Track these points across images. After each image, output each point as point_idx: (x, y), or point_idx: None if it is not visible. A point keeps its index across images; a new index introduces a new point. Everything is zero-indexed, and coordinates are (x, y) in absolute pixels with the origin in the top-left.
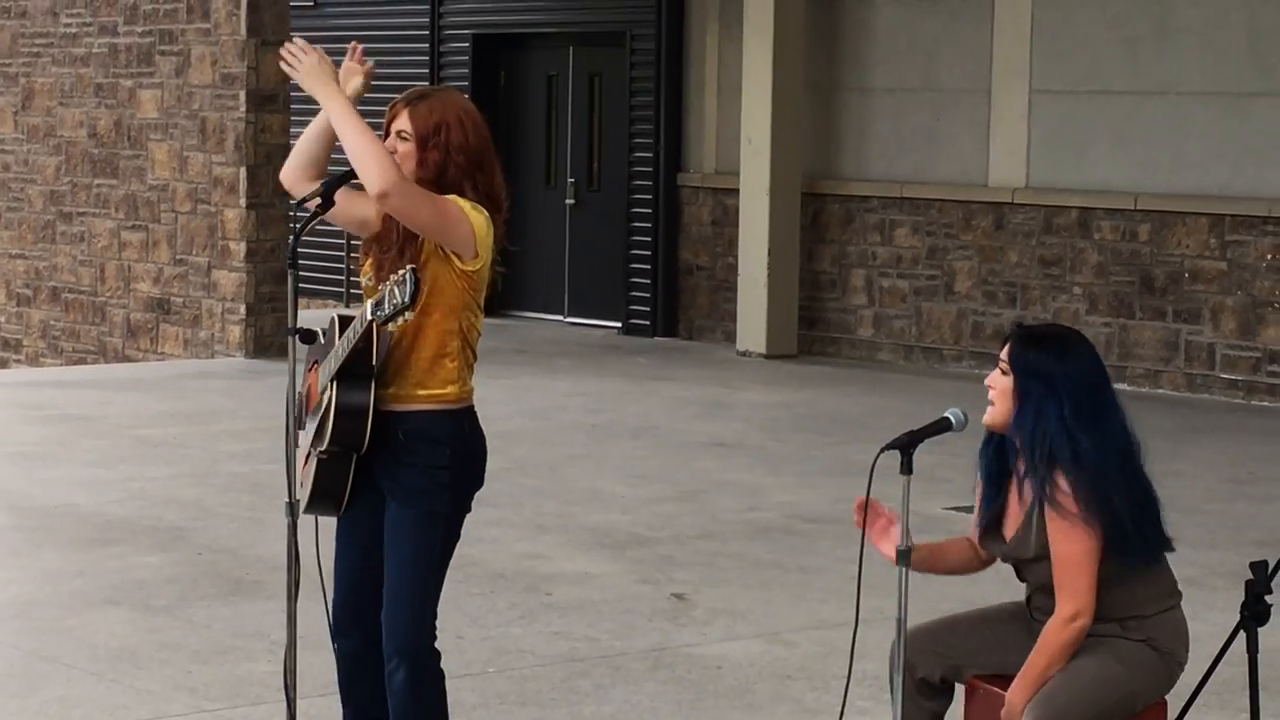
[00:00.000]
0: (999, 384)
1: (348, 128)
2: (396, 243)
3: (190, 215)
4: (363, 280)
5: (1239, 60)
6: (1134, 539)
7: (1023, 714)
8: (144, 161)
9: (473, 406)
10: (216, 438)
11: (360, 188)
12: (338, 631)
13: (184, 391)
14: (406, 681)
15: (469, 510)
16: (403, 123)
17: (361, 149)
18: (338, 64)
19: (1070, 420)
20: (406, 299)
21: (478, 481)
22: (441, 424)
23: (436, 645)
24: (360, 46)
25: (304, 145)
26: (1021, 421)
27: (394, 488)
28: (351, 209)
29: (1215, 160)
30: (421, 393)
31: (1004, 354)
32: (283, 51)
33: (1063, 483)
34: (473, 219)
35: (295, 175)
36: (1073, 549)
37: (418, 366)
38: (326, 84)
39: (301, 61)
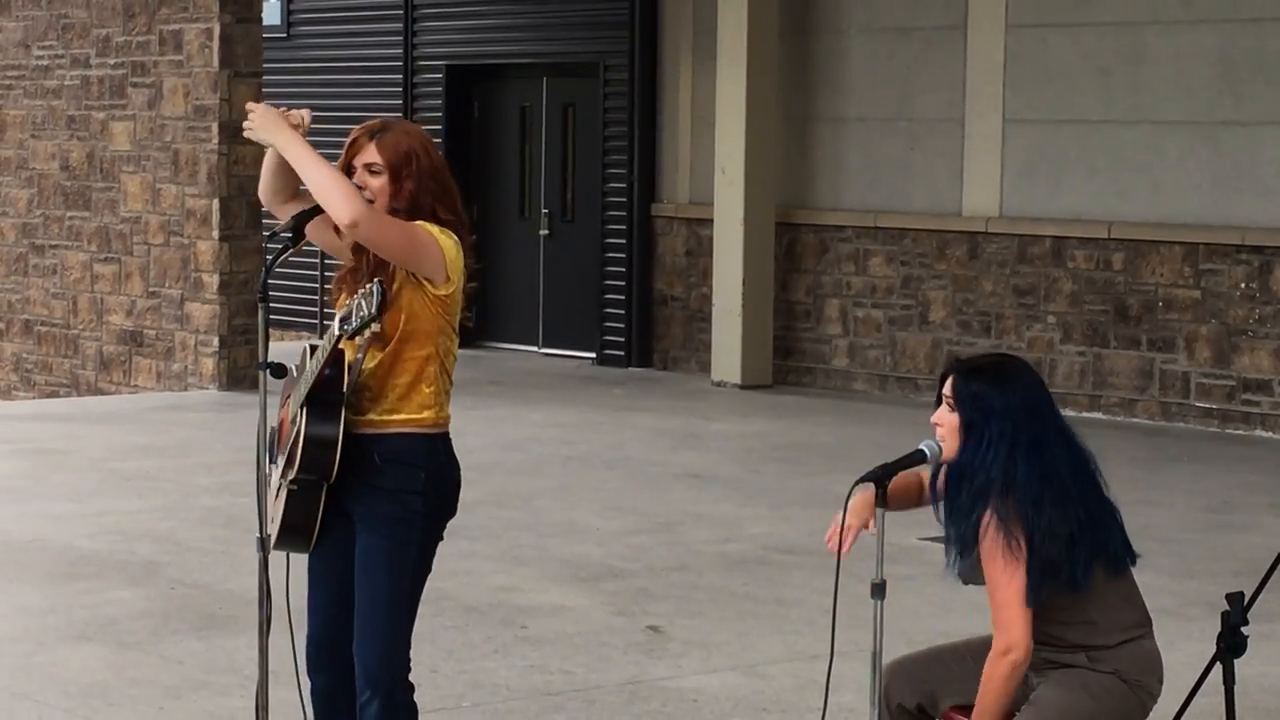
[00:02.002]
0: (946, 420)
1: (308, 165)
2: (368, 272)
3: (163, 247)
4: (339, 314)
5: (1212, 89)
6: (1063, 566)
7: None
8: (116, 194)
9: (448, 433)
10: (190, 471)
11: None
12: (312, 668)
13: (157, 424)
14: (379, 715)
15: (441, 539)
16: (370, 156)
17: (324, 183)
18: (312, 96)
19: (1009, 449)
20: (373, 310)
21: (451, 509)
22: (418, 448)
23: (410, 678)
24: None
25: (266, 178)
26: (965, 453)
27: (365, 514)
28: (324, 232)
29: (1189, 189)
30: (398, 417)
31: (947, 388)
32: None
33: (991, 515)
34: (442, 243)
35: (271, 200)
36: (1000, 582)
37: (394, 392)
38: (280, 130)
39: (252, 116)
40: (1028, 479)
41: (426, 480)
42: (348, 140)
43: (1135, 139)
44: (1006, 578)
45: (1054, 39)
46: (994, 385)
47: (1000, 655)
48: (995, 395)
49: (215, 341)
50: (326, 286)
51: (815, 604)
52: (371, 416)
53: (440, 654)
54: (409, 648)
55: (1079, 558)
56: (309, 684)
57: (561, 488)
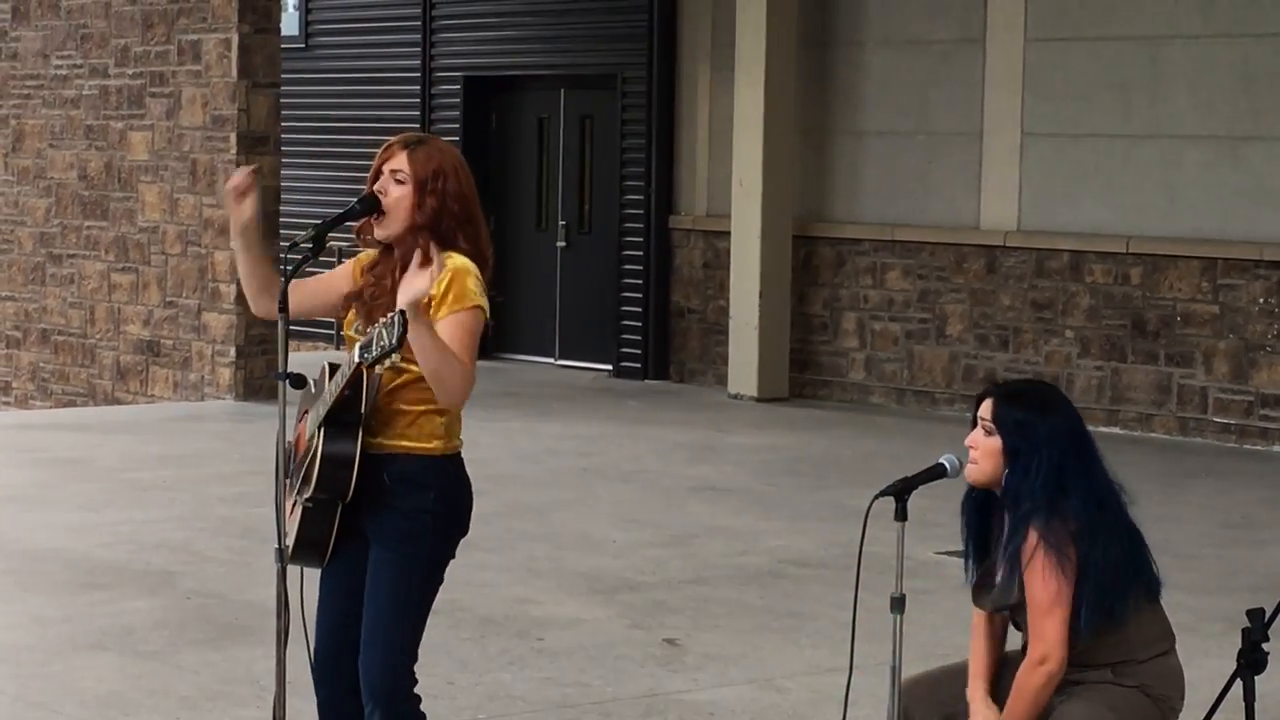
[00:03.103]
0: (982, 444)
1: (438, 348)
2: (390, 291)
3: (180, 257)
4: (348, 333)
5: (1231, 104)
6: (1109, 594)
7: None
8: (134, 203)
9: (460, 455)
10: (206, 481)
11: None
12: (316, 681)
13: (173, 434)
14: None
15: (453, 557)
16: (399, 164)
17: (446, 357)
18: (329, 106)
19: (1056, 474)
20: (394, 341)
21: (463, 527)
22: (428, 469)
23: (417, 690)
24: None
25: (248, 284)
26: (1014, 480)
27: (377, 530)
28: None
29: (1207, 204)
30: (405, 443)
31: (984, 412)
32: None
33: (1039, 533)
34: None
35: (258, 299)
36: (1044, 593)
37: (404, 418)
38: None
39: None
40: (1081, 508)
41: (436, 500)
42: (383, 146)
43: (1154, 153)
44: (1053, 591)
45: (1072, 52)
46: (1038, 412)
47: (1036, 664)
48: (1040, 422)
49: (232, 352)
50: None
51: (831, 618)
52: (381, 440)
53: (456, 666)
54: (414, 661)
55: (1124, 586)
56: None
57: (577, 500)
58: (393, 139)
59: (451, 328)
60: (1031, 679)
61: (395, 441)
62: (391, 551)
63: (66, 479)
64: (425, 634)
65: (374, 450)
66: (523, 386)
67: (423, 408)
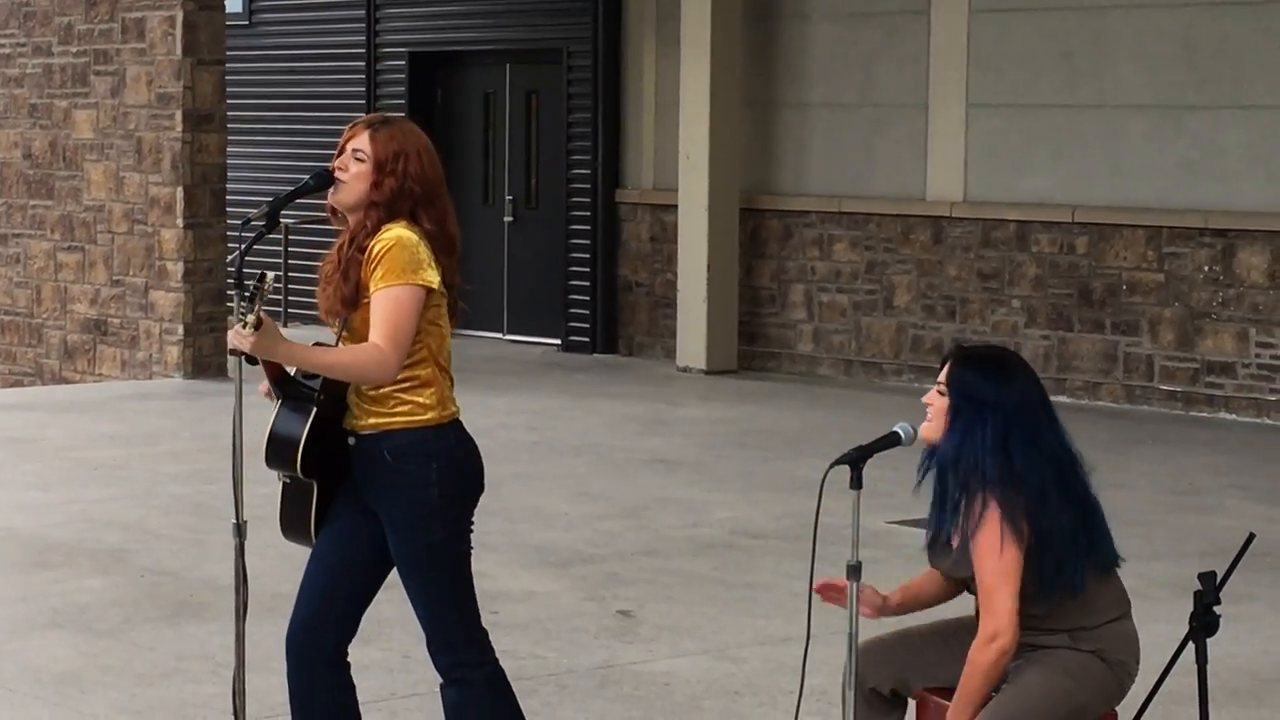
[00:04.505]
0: (936, 403)
1: (317, 364)
2: (340, 268)
3: (127, 236)
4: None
5: (1175, 73)
6: (1066, 564)
7: None
8: (80, 182)
9: (459, 421)
10: (157, 459)
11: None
12: (293, 648)
13: (123, 413)
14: (456, 698)
15: (471, 520)
16: (361, 143)
17: (341, 367)
18: (274, 84)
19: (1001, 441)
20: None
21: (475, 488)
22: (427, 439)
23: (486, 660)
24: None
25: None
26: (950, 441)
27: (386, 517)
28: None
29: (1152, 173)
30: (401, 417)
31: (942, 375)
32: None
33: (987, 502)
34: (402, 259)
35: None
36: (990, 568)
37: (393, 395)
38: (278, 344)
39: (246, 339)
40: (1030, 473)
41: (440, 469)
42: (350, 125)
43: (1098, 123)
44: (1000, 564)
45: (1016, 23)
46: (988, 376)
47: (987, 642)
48: (988, 386)
49: (180, 330)
50: (292, 274)
51: (784, 588)
52: (373, 421)
53: (411, 640)
54: (468, 630)
55: (1080, 554)
56: (285, 664)
57: (529, 474)
58: (360, 118)
59: (376, 304)
60: (984, 656)
61: (389, 418)
62: (406, 541)
63: (16, 458)
64: (380, 609)
65: (369, 430)
66: (471, 362)
67: (407, 383)
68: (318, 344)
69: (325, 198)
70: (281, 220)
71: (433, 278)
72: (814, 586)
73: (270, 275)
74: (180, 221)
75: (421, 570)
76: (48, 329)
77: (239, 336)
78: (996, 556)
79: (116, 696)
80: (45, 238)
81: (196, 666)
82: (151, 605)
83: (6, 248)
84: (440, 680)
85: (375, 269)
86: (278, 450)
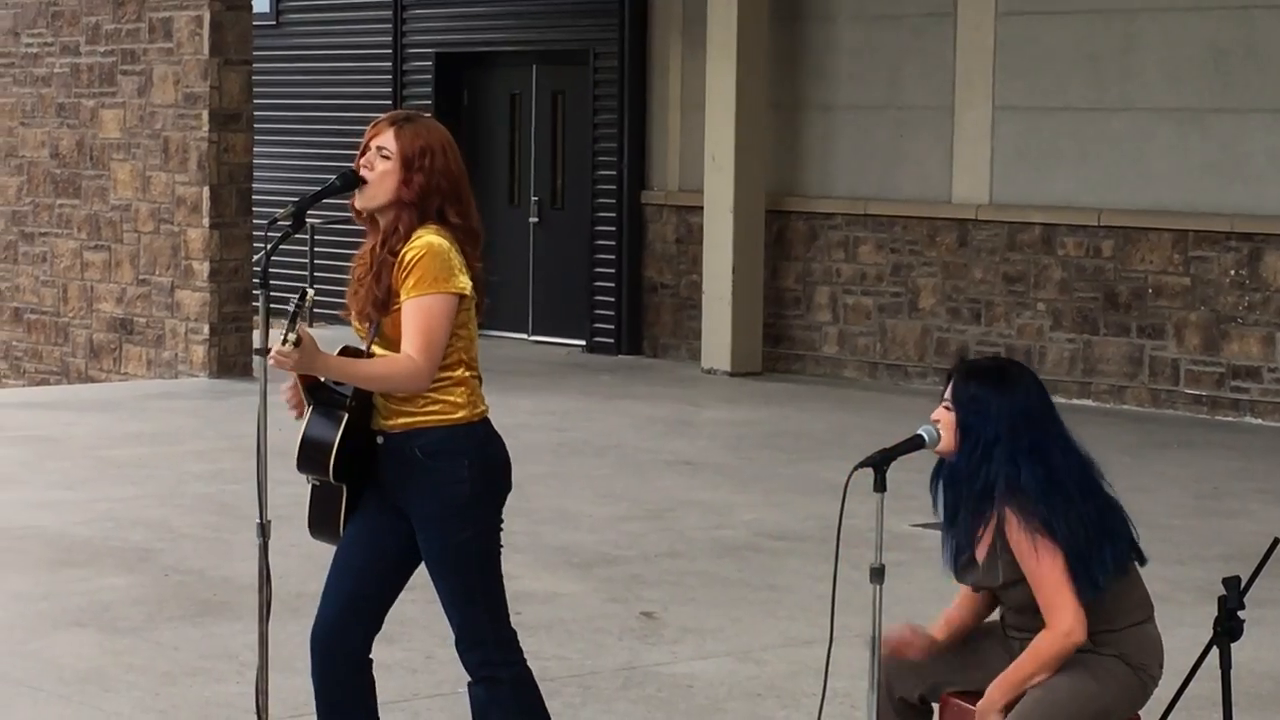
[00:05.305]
0: (943, 418)
1: (354, 376)
2: (372, 270)
3: (153, 235)
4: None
5: (1202, 76)
6: (1080, 569)
7: (998, 712)
8: (106, 181)
9: (488, 419)
10: (182, 458)
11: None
12: (319, 649)
13: (148, 412)
14: (485, 697)
15: (500, 518)
16: (386, 140)
17: (380, 379)
18: (301, 84)
19: (1010, 452)
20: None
21: (503, 487)
22: (458, 436)
23: (514, 659)
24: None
25: None
26: (963, 456)
27: (416, 515)
28: None
29: (1178, 176)
30: (432, 416)
31: (948, 391)
32: (271, 359)
33: (1013, 512)
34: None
35: None
36: (1044, 569)
37: (422, 397)
38: (316, 359)
39: (290, 358)
40: (1031, 483)
41: (471, 466)
42: (372, 123)
43: (1125, 126)
44: (1047, 565)
45: (1043, 26)
46: (992, 389)
47: (1063, 635)
48: (993, 399)
49: (205, 329)
50: (318, 275)
51: (808, 590)
52: (403, 420)
53: (435, 641)
54: (497, 629)
55: (1097, 559)
56: (310, 662)
57: (553, 475)
58: (382, 116)
59: (409, 313)
60: (1056, 646)
61: (420, 417)
62: (436, 539)
63: (41, 457)
64: (404, 608)
65: (398, 429)
66: (496, 362)
67: (438, 383)
68: (344, 348)
69: (350, 198)
70: (307, 221)
71: (465, 284)
72: (889, 648)
73: (310, 293)
74: (206, 221)
75: (451, 568)
76: (74, 328)
77: (281, 356)
78: (1041, 562)
79: (140, 695)
80: (72, 237)
81: (220, 666)
82: (175, 604)
83: (33, 246)
84: (468, 679)
85: (407, 277)
86: (310, 455)
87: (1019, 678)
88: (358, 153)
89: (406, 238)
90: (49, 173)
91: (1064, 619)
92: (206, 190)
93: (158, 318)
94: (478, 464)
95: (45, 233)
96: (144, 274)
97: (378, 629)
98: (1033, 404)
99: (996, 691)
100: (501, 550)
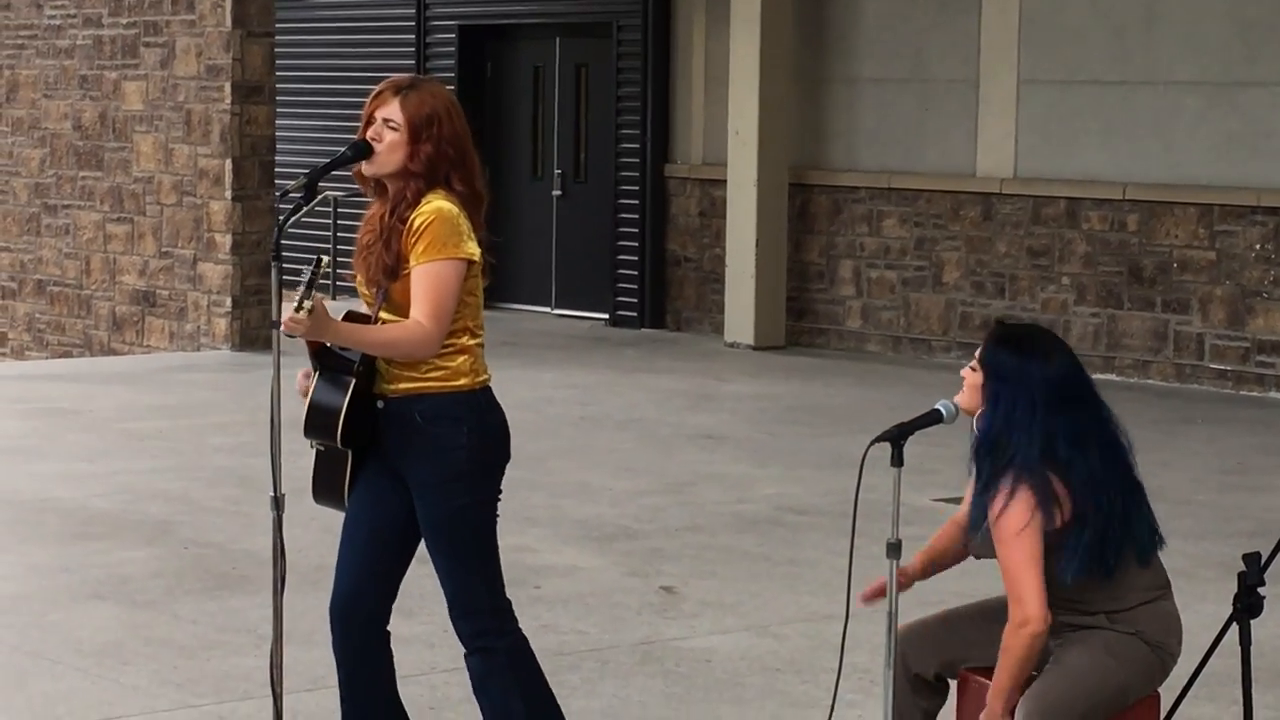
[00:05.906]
0: (970, 377)
1: (364, 343)
2: (381, 237)
3: (176, 208)
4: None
5: (1227, 50)
6: (1098, 547)
7: (1004, 715)
8: (129, 154)
9: (489, 388)
10: (203, 431)
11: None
12: (334, 618)
13: (170, 384)
14: (480, 667)
15: (499, 488)
16: (391, 111)
17: (390, 345)
18: (323, 55)
19: (1038, 421)
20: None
21: (502, 456)
22: (459, 403)
23: (508, 629)
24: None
25: None
26: (986, 421)
27: (414, 480)
28: None
29: (1203, 150)
30: (435, 382)
31: (979, 351)
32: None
33: (1018, 485)
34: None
35: None
36: (1011, 556)
37: (425, 363)
38: (327, 326)
39: (301, 324)
40: (1069, 454)
41: (470, 433)
42: (374, 91)
43: (1150, 100)
44: (1023, 549)
45: None
46: (1024, 356)
47: (1017, 627)
48: (1023, 365)
49: (228, 302)
50: (339, 248)
51: (828, 564)
52: (404, 385)
53: None
54: (492, 598)
55: (1118, 538)
56: (330, 633)
57: (574, 448)
58: (383, 83)
59: (418, 279)
60: (1016, 641)
61: (421, 382)
62: (434, 505)
63: (63, 429)
64: (422, 582)
65: (400, 394)
66: (519, 335)
67: (442, 349)
68: (349, 313)
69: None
70: (330, 194)
71: (474, 250)
72: (861, 598)
73: (325, 260)
74: (229, 194)
75: (447, 534)
76: (96, 300)
77: (294, 322)
78: (1021, 541)
79: (158, 668)
80: (94, 209)
81: (238, 639)
82: (194, 577)
83: (56, 219)
84: (463, 650)
85: (417, 243)
86: (317, 421)
87: (1001, 681)
88: (361, 122)
89: (415, 204)
90: (71, 145)
91: (1019, 610)
92: (229, 163)
93: (180, 290)
94: (477, 432)
95: (68, 205)
96: (166, 246)
97: (394, 596)
98: (1063, 374)
99: (994, 700)
100: (498, 519)
